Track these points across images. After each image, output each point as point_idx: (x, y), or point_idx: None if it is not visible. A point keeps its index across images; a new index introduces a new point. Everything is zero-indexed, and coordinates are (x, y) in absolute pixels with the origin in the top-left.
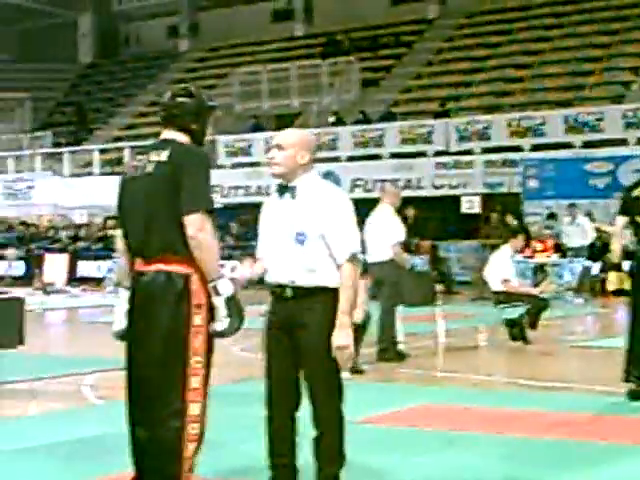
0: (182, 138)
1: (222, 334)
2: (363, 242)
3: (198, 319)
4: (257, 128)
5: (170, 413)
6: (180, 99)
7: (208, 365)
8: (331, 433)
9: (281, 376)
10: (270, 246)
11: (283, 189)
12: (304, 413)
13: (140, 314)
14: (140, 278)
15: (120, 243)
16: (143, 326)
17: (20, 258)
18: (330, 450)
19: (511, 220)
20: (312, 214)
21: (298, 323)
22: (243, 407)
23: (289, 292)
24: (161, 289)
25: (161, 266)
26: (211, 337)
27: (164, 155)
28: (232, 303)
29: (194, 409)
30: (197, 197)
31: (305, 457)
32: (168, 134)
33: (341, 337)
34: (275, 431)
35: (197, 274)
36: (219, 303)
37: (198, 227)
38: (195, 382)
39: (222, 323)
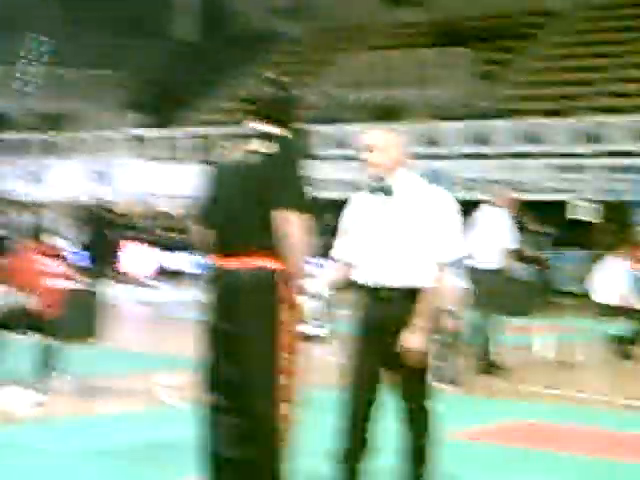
0: (272, 130)
1: (310, 337)
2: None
3: (284, 315)
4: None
5: (263, 412)
6: (270, 91)
7: (294, 364)
8: (421, 431)
9: (368, 375)
10: (367, 247)
11: (377, 189)
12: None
13: (227, 309)
14: (224, 273)
15: (200, 235)
16: (231, 322)
17: (99, 247)
18: (419, 450)
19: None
20: (414, 214)
21: (399, 324)
22: (328, 414)
23: (388, 293)
24: (250, 284)
25: (247, 260)
26: (295, 335)
27: (256, 145)
28: (322, 304)
29: (283, 408)
30: (290, 193)
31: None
32: (257, 125)
33: (413, 340)
34: (355, 428)
35: (282, 270)
36: (306, 303)
37: (288, 223)
38: (283, 379)
39: (309, 326)
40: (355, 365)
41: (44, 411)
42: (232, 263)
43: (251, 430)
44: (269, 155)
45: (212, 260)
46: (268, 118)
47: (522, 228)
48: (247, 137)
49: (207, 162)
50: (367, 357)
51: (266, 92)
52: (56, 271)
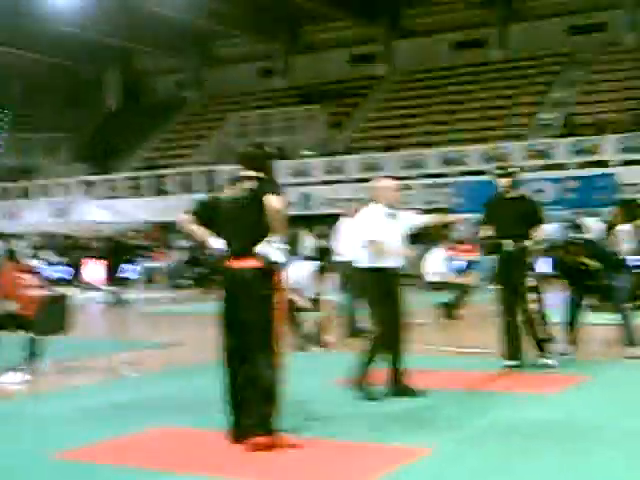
0: (256, 174)
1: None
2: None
3: (275, 296)
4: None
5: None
6: (257, 150)
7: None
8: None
9: None
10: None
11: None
12: None
13: (242, 293)
14: (237, 271)
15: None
16: (245, 301)
17: (64, 264)
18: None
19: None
20: None
21: None
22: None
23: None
24: (257, 278)
25: (252, 263)
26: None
27: (251, 185)
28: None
29: (278, 360)
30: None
31: None
32: (248, 172)
33: None
34: None
35: (273, 266)
36: (272, 249)
37: (274, 204)
38: (277, 341)
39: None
40: None
41: (31, 387)
42: (242, 264)
43: (261, 371)
44: (254, 190)
45: (226, 262)
46: (256, 168)
47: None
48: (241, 180)
49: (213, 196)
50: None
51: (253, 152)
52: (32, 283)
